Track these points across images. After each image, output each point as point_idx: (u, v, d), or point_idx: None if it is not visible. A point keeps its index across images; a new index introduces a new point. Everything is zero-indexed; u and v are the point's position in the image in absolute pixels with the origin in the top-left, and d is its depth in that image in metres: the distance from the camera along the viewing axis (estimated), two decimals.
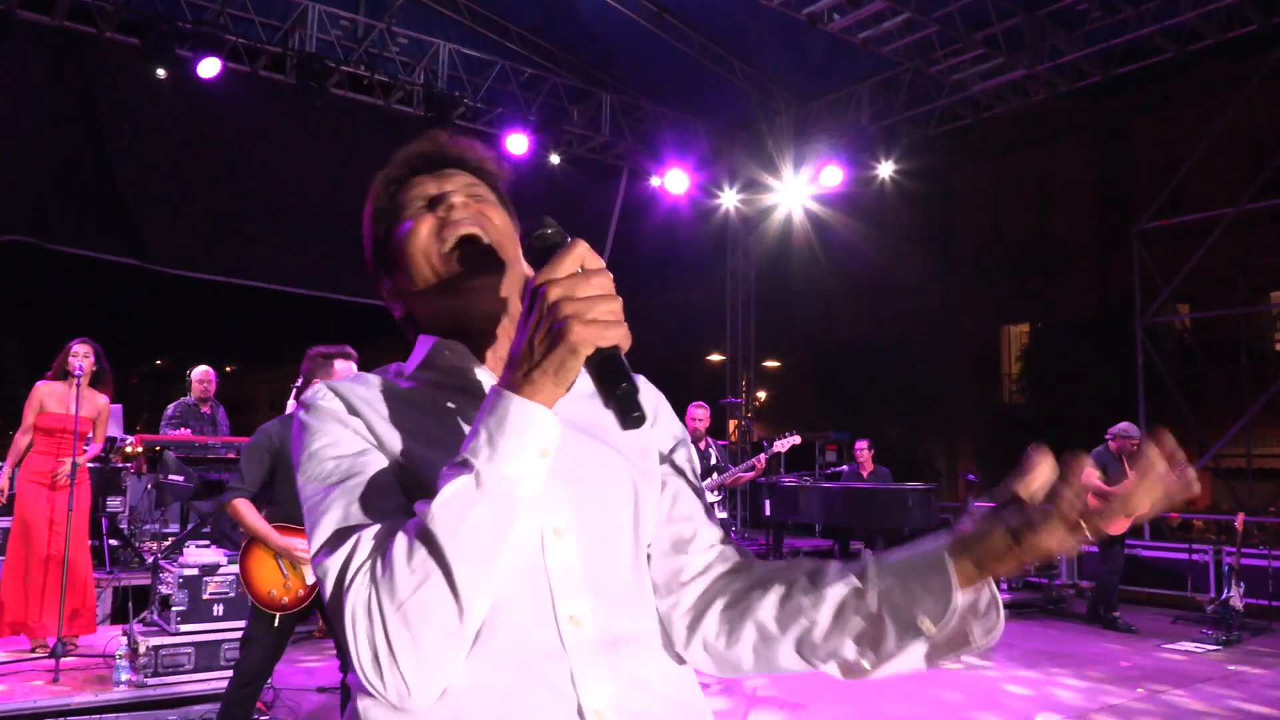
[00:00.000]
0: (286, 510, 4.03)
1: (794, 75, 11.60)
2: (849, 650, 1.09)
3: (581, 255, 0.93)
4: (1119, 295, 14.55)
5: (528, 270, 1.11)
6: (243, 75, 9.70)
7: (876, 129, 11.49)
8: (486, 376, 1.15)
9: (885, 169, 11.70)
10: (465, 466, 0.92)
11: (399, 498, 1.02)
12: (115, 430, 7.64)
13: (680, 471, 1.28)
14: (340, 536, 0.98)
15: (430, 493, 0.95)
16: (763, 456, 7.57)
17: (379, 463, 1.05)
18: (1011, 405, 21.45)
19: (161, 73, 8.82)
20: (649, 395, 1.28)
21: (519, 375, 0.93)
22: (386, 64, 10.46)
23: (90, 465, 6.10)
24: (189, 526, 7.69)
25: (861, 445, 9.91)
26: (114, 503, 7.40)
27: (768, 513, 8.30)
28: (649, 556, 1.18)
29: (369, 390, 1.13)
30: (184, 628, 5.22)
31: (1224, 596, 7.78)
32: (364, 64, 10.20)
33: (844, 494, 9.07)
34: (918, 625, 1.06)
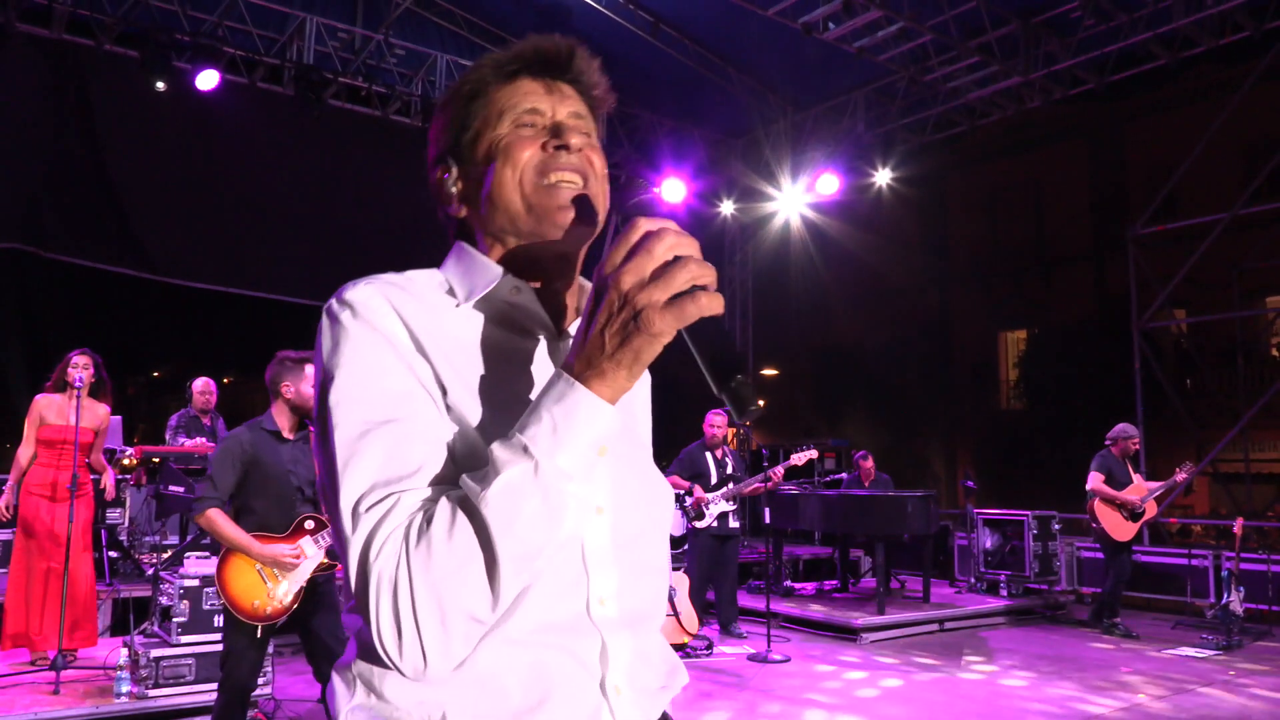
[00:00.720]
0: (261, 518, 3.93)
1: (790, 83, 11.64)
2: None
3: (646, 229, 0.88)
4: (1116, 300, 14.59)
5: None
6: (241, 87, 9.72)
7: (872, 136, 11.53)
8: (547, 334, 1.10)
9: (881, 176, 11.75)
10: (525, 454, 0.88)
11: (442, 453, 0.96)
12: (114, 442, 7.64)
13: None
14: (376, 489, 0.92)
15: (473, 448, 0.93)
16: (780, 468, 7.60)
17: (427, 407, 0.98)
18: (1010, 411, 21.48)
19: (161, 85, 8.85)
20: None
21: (588, 365, 0.89)
22: (384, 75, 10.50)
23: (94, 477, 6.10)
24: (189, 538, 7.68)
25: (863, 458, 9.92)
26: (113, 514, 7.39)
27: (767, 520, 8.29)
28: None
29: (421, 307, 1.04)
30: (185, 639, 5.22)
31: (1224, 601, 7.78)
32: (361, 75, 10.24)
33: (843, 501, 9.08)
34: None
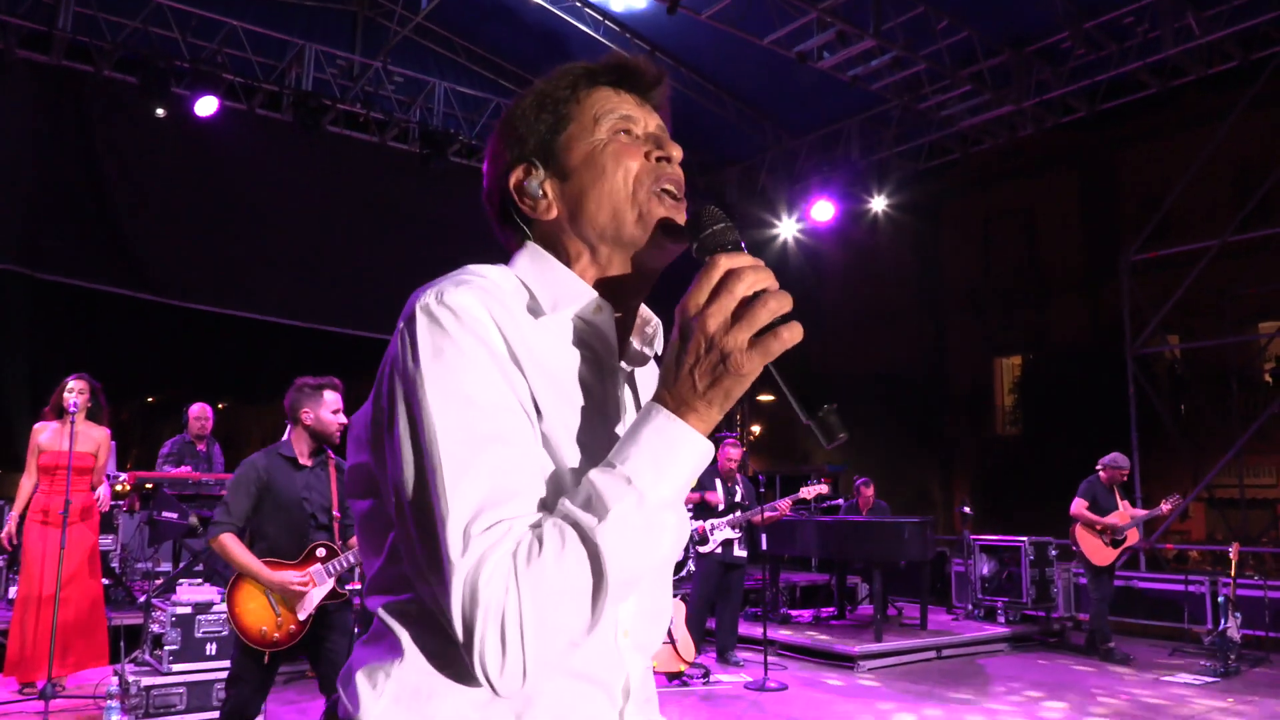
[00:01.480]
0: (273, 544, 3.93)
1: (784, 111, 11.74)
2: None
3: (726, 268, 0.91)
4: (1110, 326, 14.63)
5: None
6: (239, 113, 9.78)
7: (866, 163, 11.62)
8: (611, 356, 1.11)
9: (875, 203, 11.82)
10: (629, 484, 0.90)
11: (541, 473, 0.97)
12: (108, 467, 7.61)
13: None
14: (486, 512, 0.91)
15: (555, 466, 0.96)
16: (788, 500, 7.70)
17: (526, 425, 0.97)
18: (1005, 437, 21.48)
19: (161, 111, 8.91)
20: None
21: (681, 402, 0.92)
22: (382, 102, 10.57)
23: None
24: (181, 564, 7.63)
25: (864, 485, 9.91)
26: (106, 540, 7.35)
27: (764, 546, 8.27)
28: None
29: (511, 317, 1.01)
30: (176, 667, 5.18)
31: (1221, 628, 7.76)
32: (360, 102, 10.31)
33: (840, 527, 9.05)
34: None
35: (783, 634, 8.49)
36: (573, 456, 0.99)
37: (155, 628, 5.42)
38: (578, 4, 10.02)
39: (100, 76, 9.13)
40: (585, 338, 1.08)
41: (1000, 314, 21.38)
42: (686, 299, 0.92)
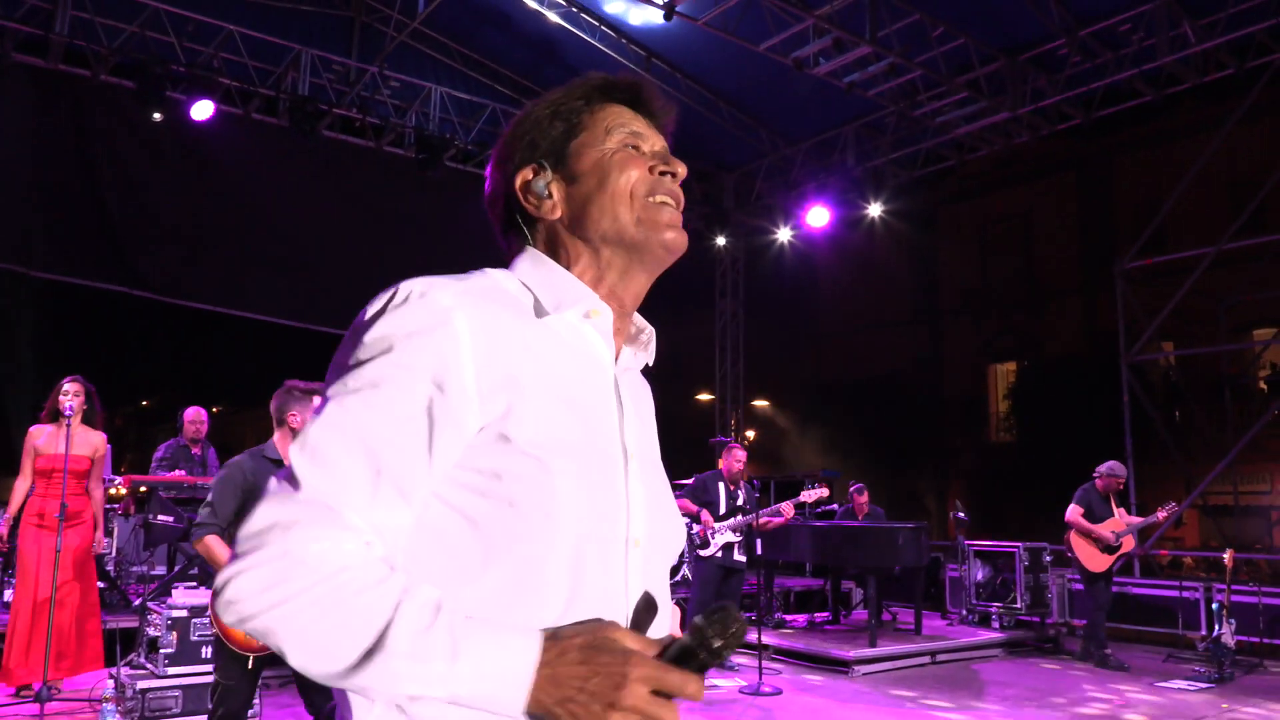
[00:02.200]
0: None
1: (780, 118, 11.77)
2: None
3: (685, 688, 0.87)
4: (1104, 333, 14.70)
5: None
6: (236, 117, 9.79)
7: (862, 170, 11.65)
8: (604, 359, 1.13)
9: (871, 210, 11.85)
10: (450, 658, 0.86)
11: (414, 491, 0.96)
12: (103, 471, 7.60)
13: None
14: (341, 491, 0.93)
15: (537, 459, 0.97)
16: (790, 504, 7.69)
17: (421, 452, 0.96)
18: (1000, 443, 21.53)
19: (158, 116, 8.92)
20: (645, 389, 1.28)
21: (544, 666, 0.87)
22: (378, 107, 10.58)
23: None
24: (176, 568, 7.62)
25: (858, 492, 9.91)
26: (97, 545, 7.32)
27: (759, 551, 8.26)
28: None
29: (502, 315, 1.04)
30: (172, 670, 5.18)
31: (1215, 634, 7.77)
32: (356, 107, 10.32)
33: (834, 533, 9.06)
34: None
35: (778, 639, 8.49)
36: (559, 453, 0.99)
37: (151, 631, 5.42)
38: (574, 10, 10.05)
39: (97, 81, 9.14)
40: (584, 339, 1.11)
41: (995, 321, 21.45)
42: (645, 660, 0.88)
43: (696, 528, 7.52)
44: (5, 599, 6.93)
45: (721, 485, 7.69)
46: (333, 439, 0.95)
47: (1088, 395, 16.85)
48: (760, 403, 22.62)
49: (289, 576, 0.89)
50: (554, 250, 1.16)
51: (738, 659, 7.73)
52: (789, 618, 9.85)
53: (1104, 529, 8.15)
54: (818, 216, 11.71)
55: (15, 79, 8.75)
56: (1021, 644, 9.06)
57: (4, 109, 8.72)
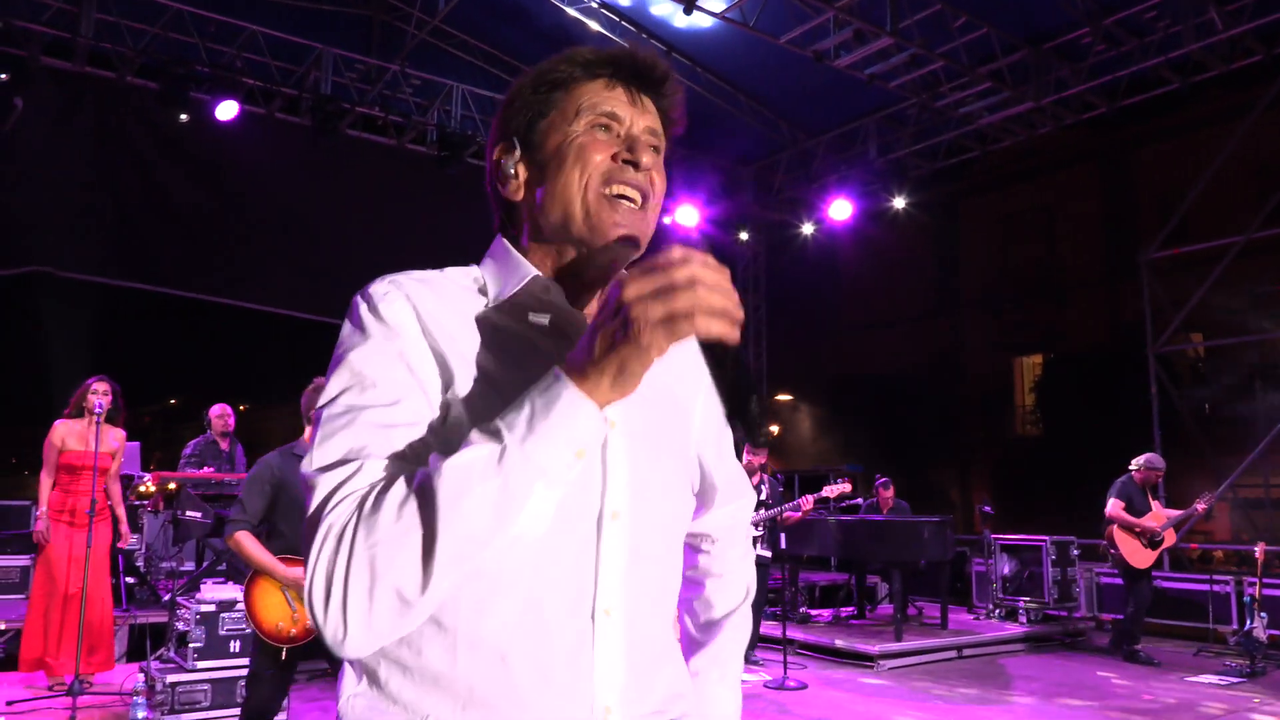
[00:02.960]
0: (289, 542, 3.97)
1: (801, 110, 11.72)
2: None
3: (675, 256, 0.86)
4: (1130, 325, 14.54)
5: None
6: (259, 117, 9.88)
7: (884, 162, 11.58)
8: (576, 335, 1.07)
9: (893, 202, 11.78)
10: (496, 436, 0.87)
11: (416, 440, 0.96)
12: (131, 468, 7.69)
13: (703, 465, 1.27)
14: (345, 457, 0.93)
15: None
16: (810, 498, 7.66)
17: (416, 400, 0.98)
18: (1025, 436, 21.36)
19: (184, 117, 9.02)
20: (696, 361, 1.23)
21: (574, 366, 0.88)
22: (400, 105, 10.64)
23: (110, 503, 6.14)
24: (205, 563, 7.70)
25: (884, 486, 9.87)
26: (130, 540, 7.42)
27: (783, 545, 8.25)
28: None
29: (443, 302, 1.05)
30: (201, 664, 5.23)
31: (1247, 628, 7.68)
32: (378, 105, 10.38)
33: (859, 527, 9.03)
34: None
35: (802, 634, 8.48)
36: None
37: (180, 625, 5.48)
38: (594, 5, 10.04)
39: (122, 83, 9.24)
40: (541, 316, 1.08)
41: (1019, 313, 21.28)
42: (624, 269, 0.90)
43: None
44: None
45: None
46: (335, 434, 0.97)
47: (1114, 388, 16.68)
48: (783, 397, 22.57)
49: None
50: (519, 231, 1.13)
51: (762, 654, 7.72)
52: (814, 612, 9.83)
53: (1147, 521, 7.98)
54: (840, 209, 11.65)
55: (41, 82, 8.86)
56: (1048, 638, 9.00)
57: (30, 112, 8.83)
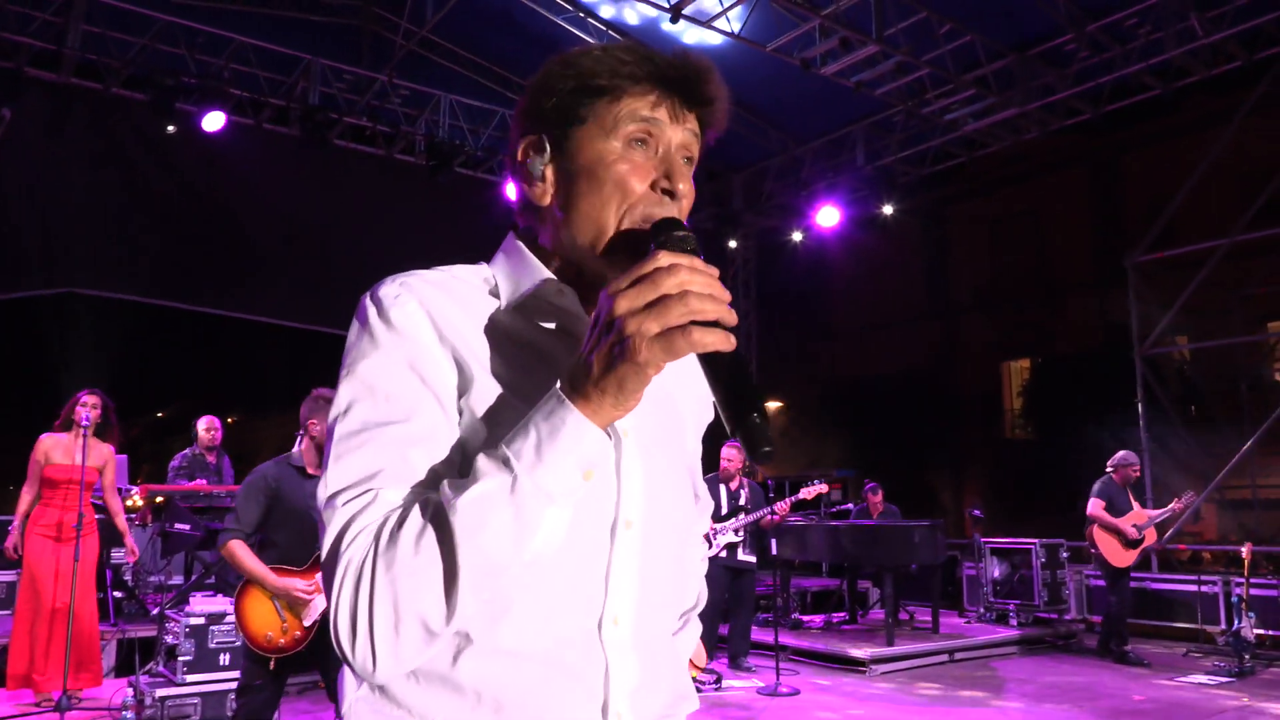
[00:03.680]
0: (283, 552, 3.95)
1: (789, 118, 11.77)
2: None
3: (660, 263, 0.85)
4: (1118, 328, 14.62)
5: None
6: (247, 128, 9.88)
7: (872, 169, 11.63)
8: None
9: (881, 208, 11.83)
10: (505, 467, 0.87)
11: (436, 459, 0.95)
12: (119, 481, 7.65)
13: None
14: (361, 482, 0.92)
15: (507, 432, 0.91)
16: (785, 502, 7.64)
17: (432, 413, 0.97)
18: (1015, 440, 21.43)
19: (171, 128, 9.02)
20: (695, 377, 1.18)
21: (573, 388, 0.87)
22: (388, 115, 10.64)
23: (99, 517, 6.11)
24: (193, 577, 7.67)
25: (872, 491, 9.88)
26: (118, 554, 7.39)
27: (774, 551, 8.26)
28: None
29: (456, 304, 1.02)
30: (190, 677, 5.21)
31: (1235, 628, 7.73)
32: (366, 115, 10.39)
33: (850, 532, 9.05)
34: None
35: (794, 639, 8.48)
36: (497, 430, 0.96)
37: (169, 639, 5.46)
38: (580, 15, 10.08)
39: (109, 94, 9.23)
40: (552, 320, 1.06)
41: (1008, 317, 21.35)
42: (610, 281, 0.87)
43: None
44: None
45: (722, 487, 7.67)
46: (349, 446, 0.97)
47: (1102, 390, 16.75)
48: (774, 402, 22.61)
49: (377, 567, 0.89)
50: (537, 233, 1.10)
51: (755, 660, 7.72)
52: (806, 618, 9.83)
53: (1125, 522, 8.09)
54: (828, 216, 11.69)
55: (30, 94, 8.84)
56: (1039, 641, 9.02)
57: (18, 124, 8.81)
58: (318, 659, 4.05)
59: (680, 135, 1.06)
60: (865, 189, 11.80)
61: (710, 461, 7.81)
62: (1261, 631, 7.96)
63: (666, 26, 9.09)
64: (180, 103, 9.07)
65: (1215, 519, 16.34)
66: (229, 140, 9.47)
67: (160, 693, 5.13)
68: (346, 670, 1.04)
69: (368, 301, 1.02)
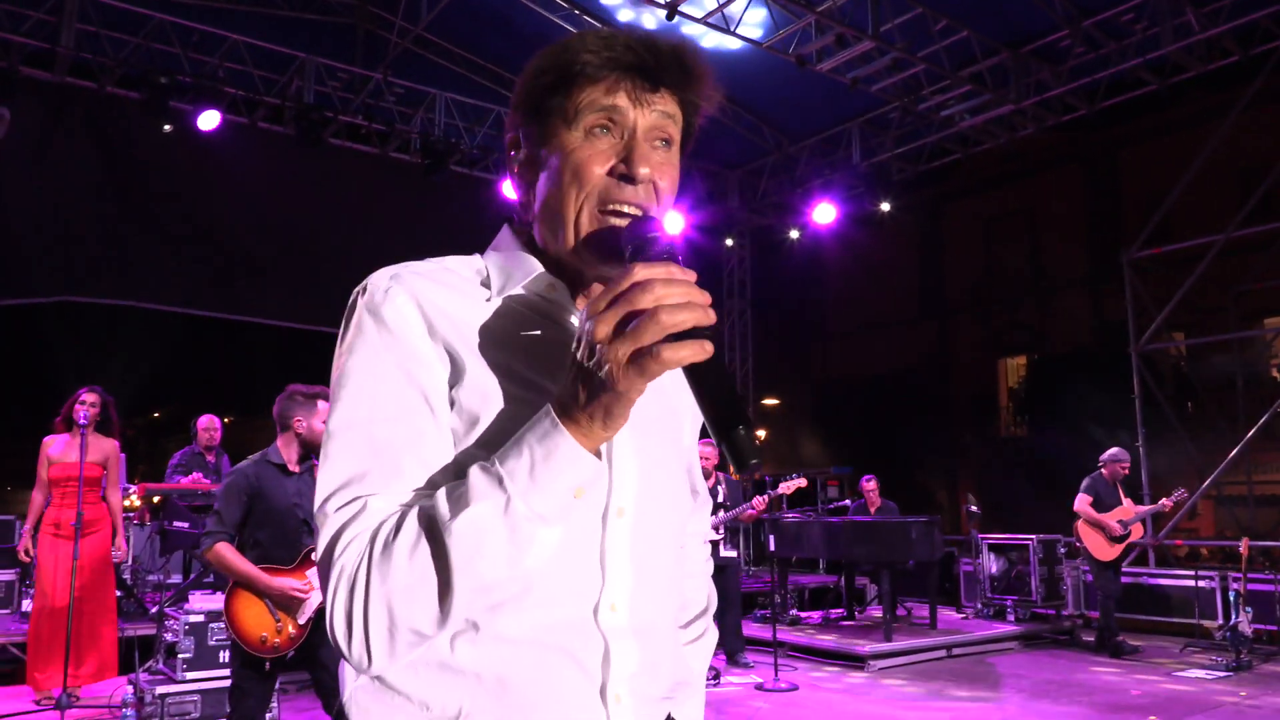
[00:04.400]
0: (266, 550, 3.90)
1: (785, 116, 11.77)
2: None
3: (635, 279, 0.83)
4: (1114, 325, 14.65)
5: None
6: (242, 127, 9.86)
7: (867, 166, 11.64)
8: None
9: (877, 205, 11.84)
10: (499, 488, 0.88)
11: (426, 459, 0.96)
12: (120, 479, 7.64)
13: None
14: (349, 486, 0.94)
15: (487, 440, 0.94)
16: (764, 497, 7.63)
17: (421, 412, 0.97)
18: (1011, 437, 21.46)
19: (167, 127, 9.00)
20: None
21: (564, 412, 0.87)
22: (383, 113, 10.63)
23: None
24: (192, 575, 7.66)
25: (868, 483, 9.88)
26: (116, 552, 7.37)
27: (771, 548, 8.27)
28: None
29: (449, 296, 1.03)
30: (190, 675, 5.21)
31: (1232, 622, 7.75)
32: (361, 114, 10.37)
33: (847, 528, 9.06)
34: None
35: (792, 635, 8.49)
36: (508, 430, 0.94)
37: (168, 637, 5.46)
38: (575, 12, 10.07)
39: (104, 93, 9.20)
40: (548, 313, 1.06)
41: (1004, 314, 21.38)
42: (590, 300, 0.87)
43: None
44: (25, 609, 7.00)
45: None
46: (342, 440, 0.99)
47: (1098, 387, 16.78)
48: (770, 401, 22.62)
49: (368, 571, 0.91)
50: (531, 225, 1.10)
51: (753, 656, 7.73)
52: (803, 615, 9.84)
53: (1111, 518, 8.18)
54: (824, 213, 11.70)
55: (24, 94, 8.82)
56: (1037, 636, 9.05)
57: (15, 124, 8.79)
58: (305, 659, 4.01)
59: (648, 118, 1.03)
60: (861, 186, 11.80)
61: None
62: (1258, 626, 7.98)
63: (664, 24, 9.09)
64: (175, 101, 9.05)
65: (1212, 515, 16.38)
66: (224, 139, 9.45)
67: (160, 690, 5.12)
68: (346, 667, 1.05)
69: (358, 297, 1.03)
